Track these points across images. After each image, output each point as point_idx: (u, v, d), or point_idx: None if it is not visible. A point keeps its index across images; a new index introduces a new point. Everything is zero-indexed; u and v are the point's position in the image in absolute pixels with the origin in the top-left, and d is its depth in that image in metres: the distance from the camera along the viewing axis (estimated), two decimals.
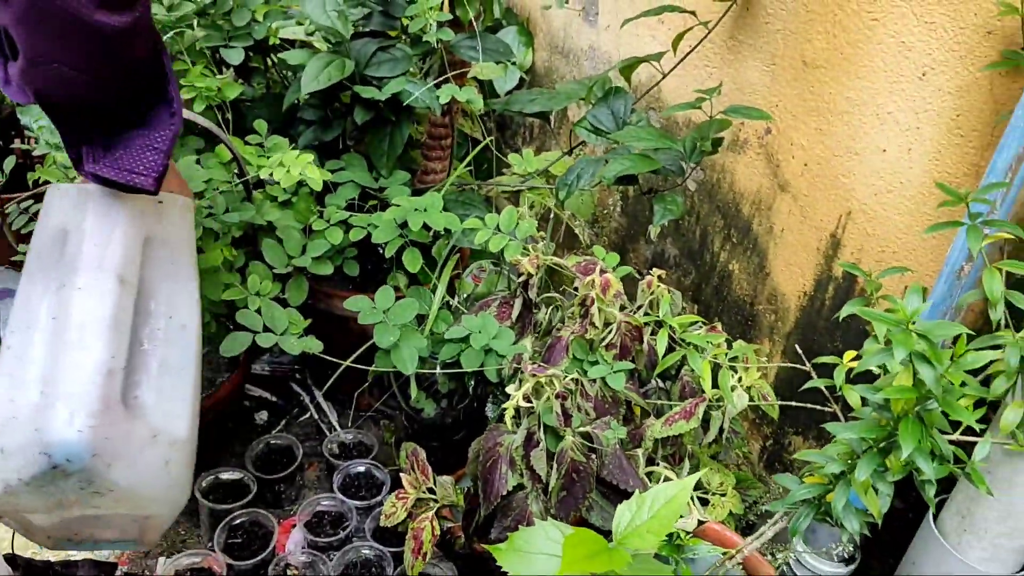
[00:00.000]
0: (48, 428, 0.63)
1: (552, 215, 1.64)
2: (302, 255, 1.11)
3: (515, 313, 1.03)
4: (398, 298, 1.02)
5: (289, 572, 1.06)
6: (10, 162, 1.08)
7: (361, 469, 1.19)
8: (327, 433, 1.37)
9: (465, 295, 1.18)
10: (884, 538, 1.09)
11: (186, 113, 0.93)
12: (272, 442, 1.24)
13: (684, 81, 1.44)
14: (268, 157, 1.08)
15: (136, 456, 0.66)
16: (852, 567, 1.11)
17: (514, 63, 1.26)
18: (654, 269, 1.11)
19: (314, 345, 0.98)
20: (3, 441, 0.64)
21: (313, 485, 1.28)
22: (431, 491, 0.98)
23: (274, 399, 1.45)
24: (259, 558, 1.04)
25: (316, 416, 1.41)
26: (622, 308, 1.05)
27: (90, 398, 0.64)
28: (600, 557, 0.52)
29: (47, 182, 1.04)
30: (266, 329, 1.00)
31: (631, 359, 0.99)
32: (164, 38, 1.07)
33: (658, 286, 1.10)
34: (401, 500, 0.95)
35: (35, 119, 1.48)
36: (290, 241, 1.10)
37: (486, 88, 1.61)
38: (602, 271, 1.04)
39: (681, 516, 0.58)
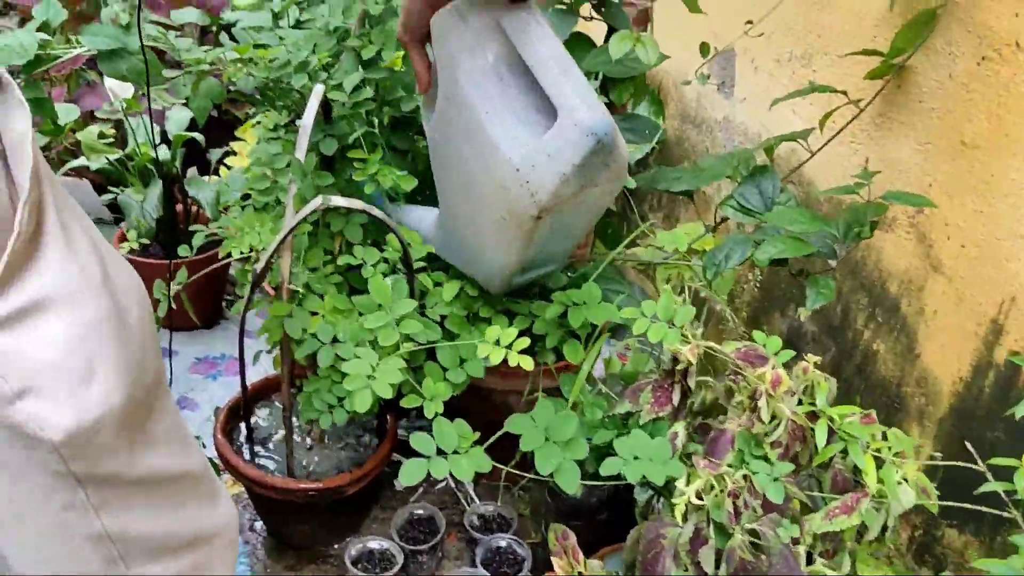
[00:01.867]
0: (583, 119, 0.88)
1: (686, 288, 1.64)
2: (473, 358, 1.08)
3: (675, 400, 1.03)
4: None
5: None
6: (199, 237, 1.15)
7: (503, 544, 1.20)
8: (461, 501, 1.39)
9: (612, 373, 1.18)
10: None
11: (358, 203, 0.97)
12: (415, 511, 1.26)
13: (828, 156, 1.42)
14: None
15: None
16: None
17: (659, 141, 1.28)
18: (809, 356, 1.08)
19: (484, 464, 0.95)
20: (547, 149, 0.90)
21: (452, 556, 1.29)
22: None
23: None
24: None
25: (452, 484, 1.43)
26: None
27: (594, 96, 0.92)
28: None
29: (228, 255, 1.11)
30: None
31: (794, 455, 0.97)
32: (341, 125, 1.13)
33: (813, 372, 1.08)
34: None
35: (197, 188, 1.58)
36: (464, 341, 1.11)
37: None
38: (764, 357, 1.03)
39: None
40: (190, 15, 1.28)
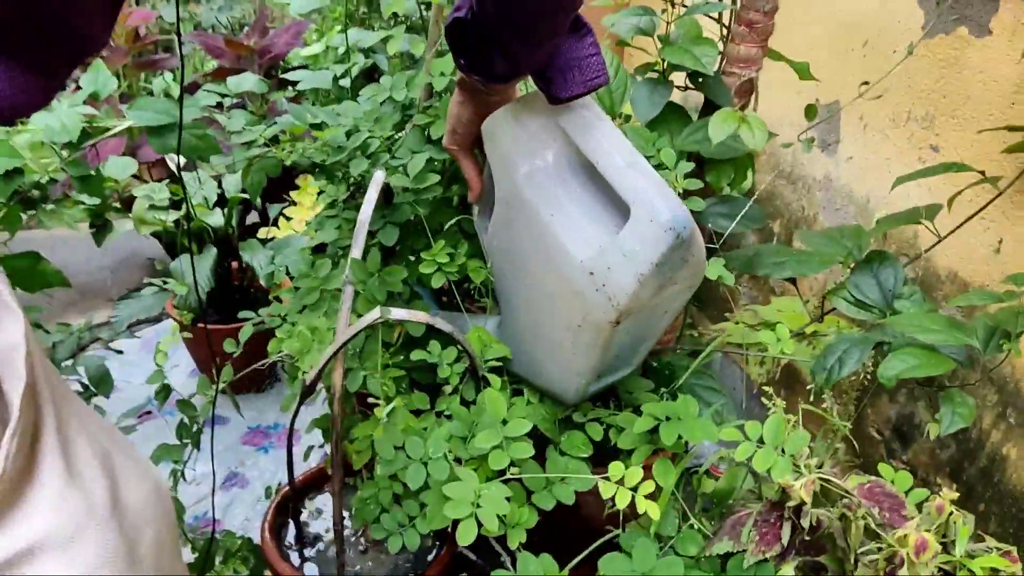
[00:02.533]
0: (659, 214, 0.80)
1: (779, 370, 1.48)
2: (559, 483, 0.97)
3: (784, 539, 0.88)
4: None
5: None
6: (246, 331, 1.06)
7: None
8: None
9: (703, 492, 1.03)
10: None
11: (421, 316, 0.86)
12: None
13: (953, 236, 1.25)
14: None
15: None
16: None
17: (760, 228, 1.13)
18: (944, 491, 0.92)
19: None
20: (623, 248, 0.82)
21: None
22: None
23: (474, 557, 1.35)
24: None
25: None
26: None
27: (667, 188, 0.83)
28: None
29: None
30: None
31: None
32: (403, 209, 1.01)
33: (951, 512, 0.91)
34: None
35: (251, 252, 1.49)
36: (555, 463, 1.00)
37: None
38: (893, 496, 0.87)
39: None
40: (248, 82, 1.18)
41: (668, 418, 0.95)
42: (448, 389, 0.97)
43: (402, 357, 1.05)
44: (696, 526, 0.95)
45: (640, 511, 0.84)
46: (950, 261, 1.28)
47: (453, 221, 1.02)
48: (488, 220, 0.95)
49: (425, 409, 1.00)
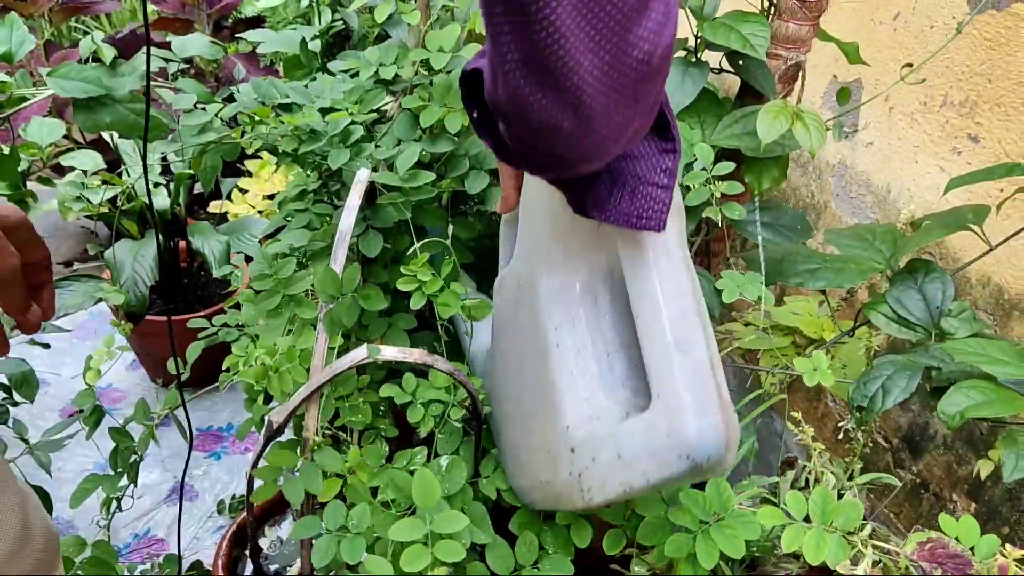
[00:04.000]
0: (682, 431, 0.60)
1: (792, 381, 1.36)
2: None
3: None
4: None
5: None
6: (195, 350, 0.89)
7: None
8: None
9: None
10: None
11: (417, 353, 0.70)
12: None
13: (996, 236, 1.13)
14: None
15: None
16: None
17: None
18: (1008, 549, 0.81)
19: None
20: (621, 446, 0.63)
21: None
22: None
23: None
24: None
25: None
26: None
27: (711, 396, 0.61)
28: None
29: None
30: None
31: None
32: (388, 211, 0.85)
33: (1015, 573, 0.80)
34: None
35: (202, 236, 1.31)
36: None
37: None
38: (958, 556, 0.76)
39: None
40: (195, 44, 0.98)
41: (704, 523, 0.77)
42: (423, 432, 0.80)
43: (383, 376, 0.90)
44: None
45: None
46: (983, 263, 1.16)
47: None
48: (515, 231, 0.77)
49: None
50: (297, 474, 0.74)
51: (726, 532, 0.74)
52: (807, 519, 0.75)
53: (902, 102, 1.26)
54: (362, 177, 0.73)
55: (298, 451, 0.77)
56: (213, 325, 0.96)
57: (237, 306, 0.98)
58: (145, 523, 1.28)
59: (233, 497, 1.30)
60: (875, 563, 0.75)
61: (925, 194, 1.25)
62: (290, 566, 1.07)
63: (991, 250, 0.99)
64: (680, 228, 0.64)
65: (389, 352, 0.66)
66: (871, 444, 1.46)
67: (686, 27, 0.89)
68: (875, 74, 1.31)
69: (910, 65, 1.07)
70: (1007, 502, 1.18)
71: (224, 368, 0.91)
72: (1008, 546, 0.83)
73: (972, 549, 0.78)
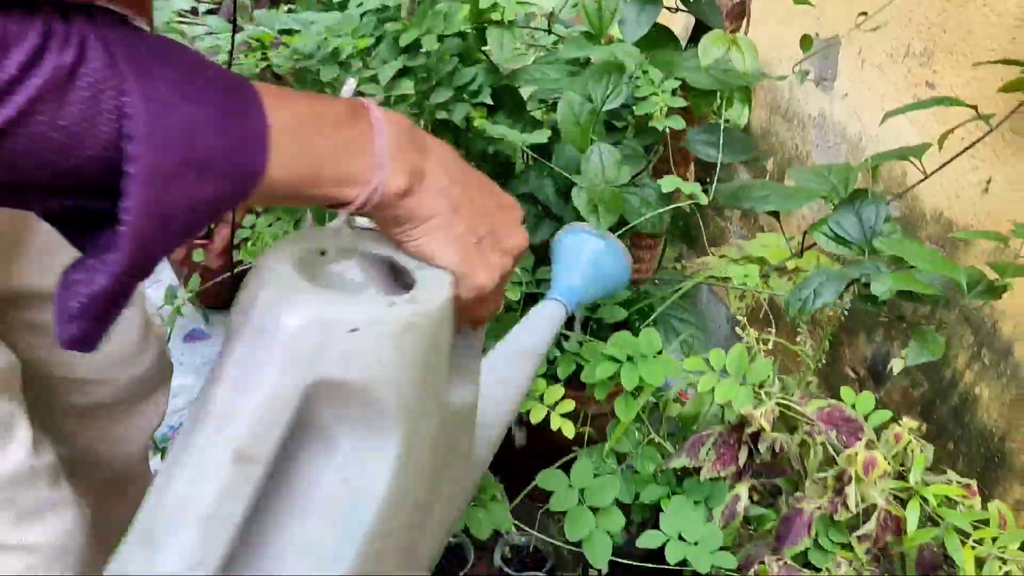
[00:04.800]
0: None
1: (755, 303, 1.48)
2: None
3: (741, 460, 0.89)
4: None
5: None
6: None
7: None
8: None
9: (668, 416, 1.04)
10: None
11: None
12: None
13: (941, 174, 1.23)
14: None
15: None
16: None
17: (754, 162, 1.11)
18: (904, 419, 0.93)
19: (504, 524, 0.86)
20: None
21: None
22: None
23: None
24: None
25: None
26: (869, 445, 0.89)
27: None
28: None
29: None
30: None
31: (883, 549, 0.83)
32: None
33: (908, 440, 0.92)
34: None
35: None
36: None
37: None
38: (851, 421, 0.88)
39: None
40: None
41: (630, 357, 0.93)
42: None
43: None
44: (657, 441, 0.97)
45: (554, 427, 0.85)
46: (937, 200, 1.27)
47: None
48: None
49: None
50: None
51: (651, 367, 0.88)
52: (725, 372, 0.89)
53: (872, 55, 1.37)
54: (349, 85, 0.88)
55: None
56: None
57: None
58: (179, 418, 1.46)
59: None
60: (779, 418, 0.87)
61: (889, 140, 1.35)
62: None
63: (926, 178, 1.10)
64: None
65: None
66: (840, 376, 1.57)
67: None
68: (851, 30, 1.42)
69: (865, 14, 1.18)
70: (952, 419, 1.29)
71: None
72: (906, 418, 0.95)
73: (866, 418, 0.91)
